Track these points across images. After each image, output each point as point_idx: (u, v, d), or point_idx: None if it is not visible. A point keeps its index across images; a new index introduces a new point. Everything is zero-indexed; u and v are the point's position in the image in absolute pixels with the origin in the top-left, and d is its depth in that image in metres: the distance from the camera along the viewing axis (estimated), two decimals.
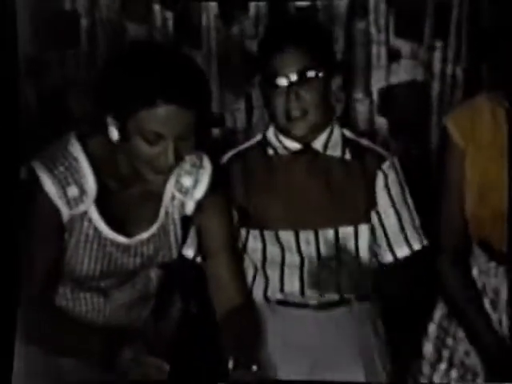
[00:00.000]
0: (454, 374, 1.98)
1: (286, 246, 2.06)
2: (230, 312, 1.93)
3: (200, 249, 2.01)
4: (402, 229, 2.07)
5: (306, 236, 2.04)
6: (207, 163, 1.95)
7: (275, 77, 1.96)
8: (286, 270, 2.07)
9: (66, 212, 1.82)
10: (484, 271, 2.00)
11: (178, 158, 1.76)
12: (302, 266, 2.06)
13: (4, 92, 1.64)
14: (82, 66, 2.47)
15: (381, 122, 2.63)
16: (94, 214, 1.84)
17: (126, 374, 1.77)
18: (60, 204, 1.81)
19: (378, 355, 2.11)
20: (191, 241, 2.02)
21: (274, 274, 2.07)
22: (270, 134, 2.08)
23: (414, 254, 2.07)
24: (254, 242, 2.07)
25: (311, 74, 1.97)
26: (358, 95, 2.62)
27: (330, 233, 2.04)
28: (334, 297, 2.07)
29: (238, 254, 2.03)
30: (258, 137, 2.12)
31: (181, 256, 2.02)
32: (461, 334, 2.02)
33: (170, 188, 1.92)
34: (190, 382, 1.88)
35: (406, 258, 2.07)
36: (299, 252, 2.05)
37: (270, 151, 2.07)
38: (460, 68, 2.57)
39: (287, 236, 2.05)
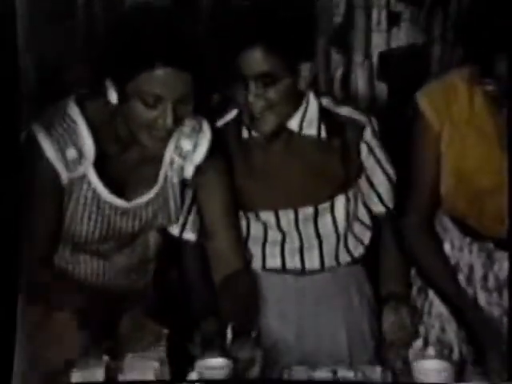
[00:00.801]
0: (430, 351, 2.02)
1: (267, 224, 2.09)
2: (228, 277, 1.96)
3: (200, 223, 2.03)
4: (392, 184, 2.11)
5: (286, 215, 2.07)
6: (206, 128, 1.97)
7: (239, 75, 1.92)
8: (268, 246, 2.10)
9: (64, 174, 1.84)
10: (457, 247, 2.02)
11: (177, 122, 1.78)
12: (283, 242, 2.09)
13: (3, 63, 1.64)
14: (79, 38, 2.46)
15: (380, 86, 2.63)
16: (93, 177, 1.86)
17: (125, 338, 1.82)
18: (59, 166, 1.83)
19: (368, 321, 2.15)
20: (192, 223, 2.04)
21: (256, 250, 2.11)
22: (243, 113, 2.02)
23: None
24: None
25: (275, 73, 1.91)
26: (358, 59, 2.62)
27: (310, 210, 2.07)
28: (316, 266, 2.11)
29: (237, 220, 2.06)
30: (234, 112, 2.07)
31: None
32: (436, 310, 2.06)
33: (170, 152, 1.93)
34: (188, 346, 1.92)
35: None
36: (280, 229, 2.09)
37: (245, 134, 2.05)
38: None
39: (267, 216, 2.07)
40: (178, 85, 1.75)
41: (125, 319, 1.81)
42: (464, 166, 1.93)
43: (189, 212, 2.03)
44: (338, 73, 2.62)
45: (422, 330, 2.06)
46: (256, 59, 1.89)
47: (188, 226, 2.04)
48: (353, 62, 2.62)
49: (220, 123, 2.07)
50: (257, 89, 1.91)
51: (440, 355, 1.85)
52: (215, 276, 2.00)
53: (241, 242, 2.05)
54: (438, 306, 2.07)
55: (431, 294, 2.08)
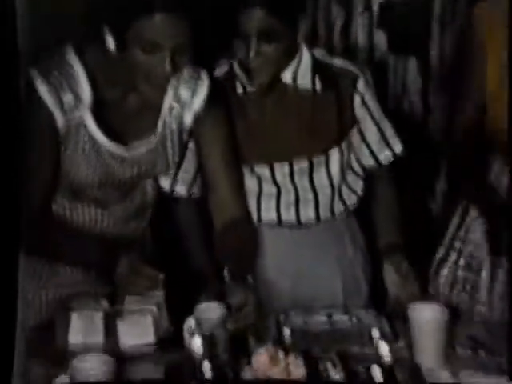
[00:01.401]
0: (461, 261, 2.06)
1: (262, 178, 2.09)
2: (227, 224, 1.97)
3: (199, 166, 2.04)
4: (383, 136, 2.11)
5: (281, 168, 2.08)
6: (205, 76, 1.97)
7: (240, 31, 1.93)
8: (264, 200, 2.11)
9: (60, 119, 1.84)
10: None
11: (175, 69, 1.78)
12: (278, 195, 2.11)
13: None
14: None
15: (380, 36, 2.63)
16: (91, 123, 1.86)
17: (122, 283, 1.84)
18: (55, 111, 1.83)
19: (361, 269, 2.18)
20: (183, 177, 2.05)
21: (252, 204, 2.11)
22: (237, 67, 2.04)
23: (396, 157, 2.13)
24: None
25: (276, 30, 1.92)
26: (358, 10, 2.61)
27: (304, 163, 2.08)
28: (311, 218, 2.12)
29: (238, 167, 2.06)
30: (225, 67, 2.07)
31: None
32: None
33: (168, 100, 1.94)
34: (184, 292, 1.94)
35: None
36: (275, 183, 2.10)
37: (240, 89, 2.05)
38: None
39: (262, 170, 2.08)
40: (176, 32, 1.75)
41: (121, 264, 1.84)
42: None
43: (180, 165, 2.04)
44: (338, 23, 2.61)
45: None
46: (258, 17, 1.90)
47: (179, 180, 2.05)
48: (353, 13, 2.61)
49: (218, 72, 2.07)
50: (258, 46, 1.92)
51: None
52: (216, 225, 2.01)
53: (242, 192, 2.06)
54: None
55: None
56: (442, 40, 2.59)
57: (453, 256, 2.10)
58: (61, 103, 1.83)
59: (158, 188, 2.06)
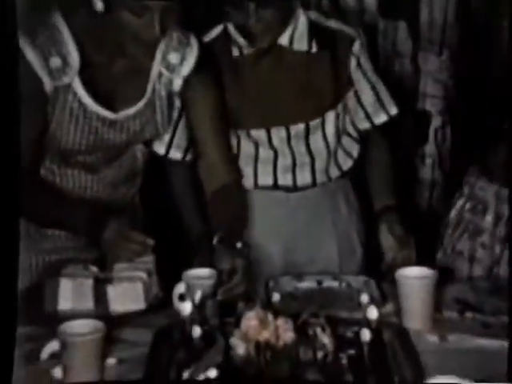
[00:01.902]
0: (468, 205, 2.09)
1: (258, 142, 2.09)
2: (218, 190, 1.97)
3: (190, 137, 2.03)
4: (378, 98, 2.12)
5: (278, 132, 2.08)
6: (194, 41, 1.95)
7: (238, 2, 1.92)
8: (260, 165, 2.11)
9: (48, 82, 1.82)
10: None
11: (163, 31, 1.76)
12: (275, 160, 2.10)
13: None
14: None
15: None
16: (78, 87, 1.85)
17: (110, 248, 1.84)
18: (42, 74, 1.81)
19: (355, 230, 2.20)
20: (178, 142, 2.04)
21: (248, 169, 2.11)
22: (231, 27, 2.03)
23: (391, 119, 2.14)
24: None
25: (272, 2, 1.93)
26: None
27: (301, 127, 2.08)
28: (307, 182, 2.12)
29: (227, 135, 2.05)
30: (219, 28, 2.06)
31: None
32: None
33: (157, 65, 1.92)
34: (174, 258, 1.95)
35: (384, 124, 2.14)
36: (272, 147, 2.09)
37: (236, 52, 2.05)
38: None
39: (259, 134, 2.08)
40: None
41: (109, 228, 1.84)
42: None
43: (175, 130, 2.03)
44: None
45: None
46: None
47: (174, 145, 2.05)
48: None
49: (205, 39, 2.06)
50: (257, 12, 1.91)
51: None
52: (206, 191, 2.01)
53: (231, 157, 2.05)
54: None
55: None
56: (431, 3, 2.57)
57: (461, 200, 2.13)
58: (48, 67, 1.82)
59: (149, 154, 2.05)
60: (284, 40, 2.03)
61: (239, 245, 1.86)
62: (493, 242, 2.08)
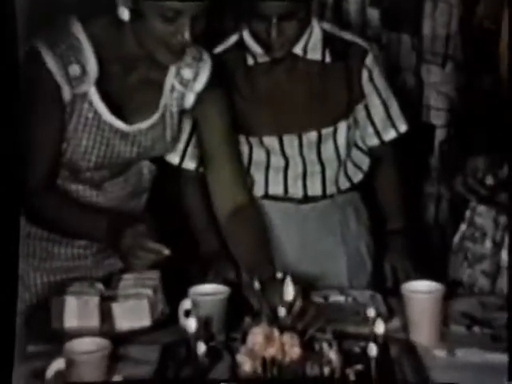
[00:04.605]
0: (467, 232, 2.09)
1: (270, 150, 2.10)
2: (233, 213, 1.94)
3: (200, 152, 2.02)
4: (389, 115, 2.14)
5: (290, 140, 2.08)
6: (207, 57, 1.96)
7: (260, 15, 1.96)
8: (271, 172, 2.12)
9: (67, 90, 1.83)
10: None
11: (193, 38, 1.77)
12: (286, 168, 2.11)
13: None
14: None
15: (372, 12, 2.61)
16: (95, 96, 1.85)
17: (128, 257, 1.81)
18: (61, 82, 1.82)
19: (365, 244, 2.20)
20: (192, 152, 2.05)
21: (259, 176, 2.12)
22: (248, 37, 2.06)
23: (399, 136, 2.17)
24: (240, 146, 2.10)
25: (295, 11, 1.95)
26: None
27: (313, 135, 2.09)
28: (318, 193, 2.12)
29: (238, 151, 2.05)
30: (234, 37, 2.10)
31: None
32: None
33: (171, 79, 1.93)
34: (179, 274, 1.94)
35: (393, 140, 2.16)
36: (283, 155, 2.10)
37: (250, 60, 2.07)
38: None
39: (271, 141, 2.09)
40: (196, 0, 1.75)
41: (127, 236, 1.79)
42: None
43: (189, 141, 2.04)
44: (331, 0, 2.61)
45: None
46: (279, 4, 1.93)
47: (188, 155, 2.05)
48: None
49: (219, 49, 2.09)
50: (278, 26, 1.93)
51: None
52: (218, 211, 1.98)
53: (243, 175, 2.03)
54: None
55: None
56: (434, 16, 2.58)
57: (463, 225, 2.11)
58: (67, 75, 1.82)
59: (156, 171, 2.05)
60: (298, 49, 2.05)
61: (279, 275, 1.79)
62: (494, 270, 2.05)
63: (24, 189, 1.57)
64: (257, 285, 1.73)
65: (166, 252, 1.78)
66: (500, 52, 2.01)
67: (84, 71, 1.83)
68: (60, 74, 1.82)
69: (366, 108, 2.12)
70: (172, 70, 1.92)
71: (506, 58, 1.91)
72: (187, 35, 1.75)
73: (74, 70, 1.83)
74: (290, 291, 1.61)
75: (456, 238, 2.11)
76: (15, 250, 1.47)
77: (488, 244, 2.05)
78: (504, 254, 2.02)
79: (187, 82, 1.94)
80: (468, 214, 2.10)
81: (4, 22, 1.53)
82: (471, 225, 2.08)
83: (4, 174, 1.51)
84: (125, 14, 1.78)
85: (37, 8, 1.76)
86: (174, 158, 2.06)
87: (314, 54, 2.07)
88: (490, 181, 1.95)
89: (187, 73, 1.94)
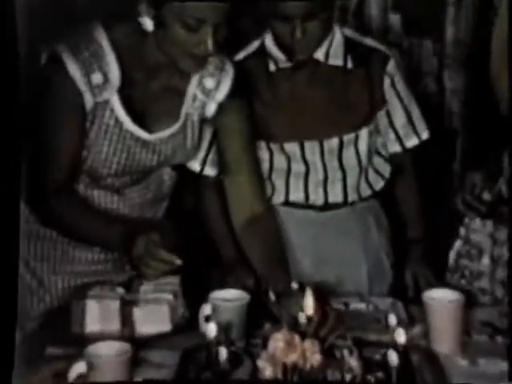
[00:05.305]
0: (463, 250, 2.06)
1: (291, 156, 2.10)
2: (249, 221, 1.95)
3: (220, 160, 2.03)
4: (411, 121, 2.12)
5: (311, 146, 2.08)
6: (229, 66, 1.96)
7: (282, 16, 1.95)
8: (292, 179, 2.11)
9: (89, 99, 1.83)
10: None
11: (216, 47, 1.76)
12: (307, 174, 2.11)
13: None
14: None
15: (394, 18, 2.61)
16: (116, 104, 1.85)
17: (140, 266, 1.81)
18: (84, 89, 1.82)
19: (385, 252, 2.19)
20: (212, 159, 2.05)
21: (280, 183, 2.12)
22: (270, 42, 2.06)
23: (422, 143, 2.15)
24: (260, 152, 2.10)
25: (318, 12, 1.94)
26: None
27: (335, 141, 2.08)
28: (339, 200, 2.12)
29: (258, 160, 2.05)
30: (256, 43, 2.09)
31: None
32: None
33: (193, 88, 1.93)
34: (200, 279, 1.94)
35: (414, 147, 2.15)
36: (304, 161, 2.10)
37: (272, 66, 2.07)
38: None
39: (292, 147, 2.08)
40: (219, 8, 1.75)
41: (138, 245, 1.79)
42: None
43: (210, 148, 2.03)
44: (352, 3, 2.60)
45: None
46: (302, 2, 1.92)
47: (209, 162, 2.05)
48: None
49: (241, 56, 2.09)
50: (302, 26, 1.93)
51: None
52: (235, 219, 1.99)
53: (261, 184, 2.04)
54: None
55: None
56: (456, 22, 2.57)
57: (458, 242, 2.09)
58: (90, 83, 1.82)
59: (176, 177, 2.05)
60: (320, 55, 2.05)
61: (295, 285, 1.80)
62: (493, 287, 2.03)
63: (19, 188, 1.55)
64: (272, 295, 1.75)
65: (178, 262, 1.77)
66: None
67: (106, 79, 1.83)
68: (82, 81, 1.81)
69: (388, 114, 2.11)
70: (194, 79, 1.92)
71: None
72: (210, 45, 1.75)
73: (97, 78, 1.82)
74: (310, 305, 1.61)
75: (451, 256, 2.09)
76: (15, 249, 1.47)
77: (486, 261, 2.03)
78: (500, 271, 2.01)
79: (209, 91, 1.94)
80: (463, 231, 2.08)
81: (4, 22, 1.52)
82: (467, 242, 2.06)
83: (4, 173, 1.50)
84: (148, 23, 1.77)
85: (38, 9, 1.77)
86: (194, 165, 2.06)
87: (336, 60, 2.06)
88: (486, 196, 1.94)
89: (209, 82, 1.94)
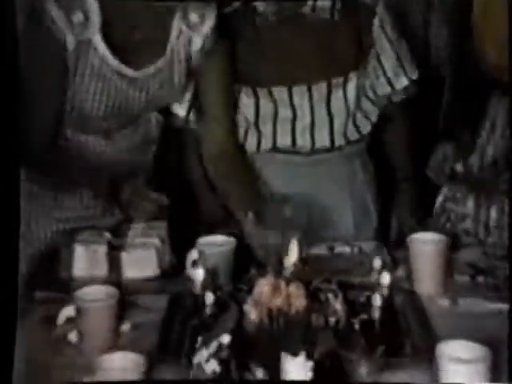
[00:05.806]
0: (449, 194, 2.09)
1: (278, 101, 2.10)
2: (220, 156, 2.01)
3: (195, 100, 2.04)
4: (400, 62, 2.13)
5: (300, 91, 2.08)
6: (213, 3, 1.96)
7: None
8: (279, 125, 2.12)
9: (71, 40, 1.83)
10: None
11: None
12: (294, 119, 2.11)
13: None
14: None
15: None
16: (99, 43, 1.85)
17: (126, 208, 1.85)
18: (65, 28, 1.82)
19: (371, 197, 2.21)
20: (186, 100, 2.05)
21: (266, 129, 2.12)
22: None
23: (411, 83, 2.16)
24: (246, 98, 2.10)
25: None
26: None
27: (323, 86, 2.08)
28: (326, 144, 2.13)
29: (233, 105, 2.07)
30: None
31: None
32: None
33: (178, 23, 1.93)
34: (186, 224, 1.96)
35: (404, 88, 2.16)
36: (292, 106, 2.10)
37: (259, 21, 2.07)
38: None
39: (280, 92, 2.08)
40: None
41: (125, 188, 1.83)
42: None
43: (196, 92, 2.04)
44: None
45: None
46: None
47: (193, 110, 2.05)
48: None
49: (228, 9, 2.08)
50: None
51: None
52: (205, 156, 2.06)
53: (233, 126, 2.08)
54: None
55: None
56: None
57: (445, 189, 2.11)
58: (70, 22, 1.82)
59: (164, 123, 2.05)
60: (307, 9, 2.05)
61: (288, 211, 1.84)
62: (476, 228, 2.06)
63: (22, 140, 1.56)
64: (250, 215, 1.78)
65: (165, 201, 1.80)
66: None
67: (87, 17, 1.83)
68: (63, 20, 1.81)
69: (377, 56, 2.12)
70: (179, 13, 1.92)
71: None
72: None
73: (78, 16, 1.82)
74: (294, 252, 1.63)
75: (439, 200, 2.11)
76: (16, 204, 1.47)
77: (470, 203, 2.06)
78: (493, 213, 2.03)
79: (194, 25, 1.94)
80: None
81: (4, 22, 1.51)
82: (453, 187, 2.09)
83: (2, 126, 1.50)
84: None
85: None
86: (179, 110, 2.06)
87: (323, 14, 2.06)
88: (459, 168, 1.96)
89: (194, 17, 1.93)
